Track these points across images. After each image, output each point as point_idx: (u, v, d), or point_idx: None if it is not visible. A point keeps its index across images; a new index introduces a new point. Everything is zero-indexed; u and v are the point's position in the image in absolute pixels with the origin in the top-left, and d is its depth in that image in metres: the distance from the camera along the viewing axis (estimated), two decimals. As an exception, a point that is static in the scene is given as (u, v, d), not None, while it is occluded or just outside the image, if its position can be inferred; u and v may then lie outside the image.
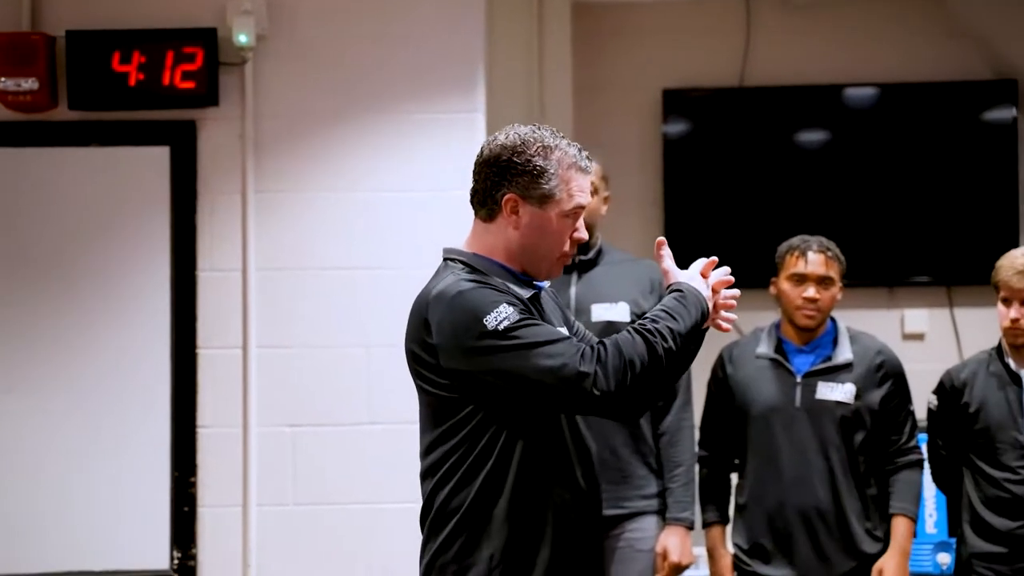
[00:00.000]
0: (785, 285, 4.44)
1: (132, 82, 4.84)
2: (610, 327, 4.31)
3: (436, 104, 4.87)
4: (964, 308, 6.29)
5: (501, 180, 2.88)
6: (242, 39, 4.80)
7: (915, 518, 4.38)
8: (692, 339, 2.81)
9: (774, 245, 4.55)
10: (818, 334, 4.46)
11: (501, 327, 2.73)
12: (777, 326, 4.52)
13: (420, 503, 2.88)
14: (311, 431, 4.83)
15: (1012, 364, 4.37)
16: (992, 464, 4.32)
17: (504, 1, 5.67)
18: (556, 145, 2.89)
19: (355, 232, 4.88)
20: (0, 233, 4.91)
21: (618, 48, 6.37)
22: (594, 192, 4.34)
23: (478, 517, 2.79)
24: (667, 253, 2.95)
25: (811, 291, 4.38)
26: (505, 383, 2.75)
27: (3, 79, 4.78)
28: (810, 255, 4.40)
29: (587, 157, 2.92)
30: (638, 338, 2.75)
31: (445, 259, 2.96)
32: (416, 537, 2.90)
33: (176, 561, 4.83)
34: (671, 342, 2.75)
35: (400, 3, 4.92)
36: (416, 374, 2.87)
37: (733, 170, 6.35)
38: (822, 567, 4.33)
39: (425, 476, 2.88)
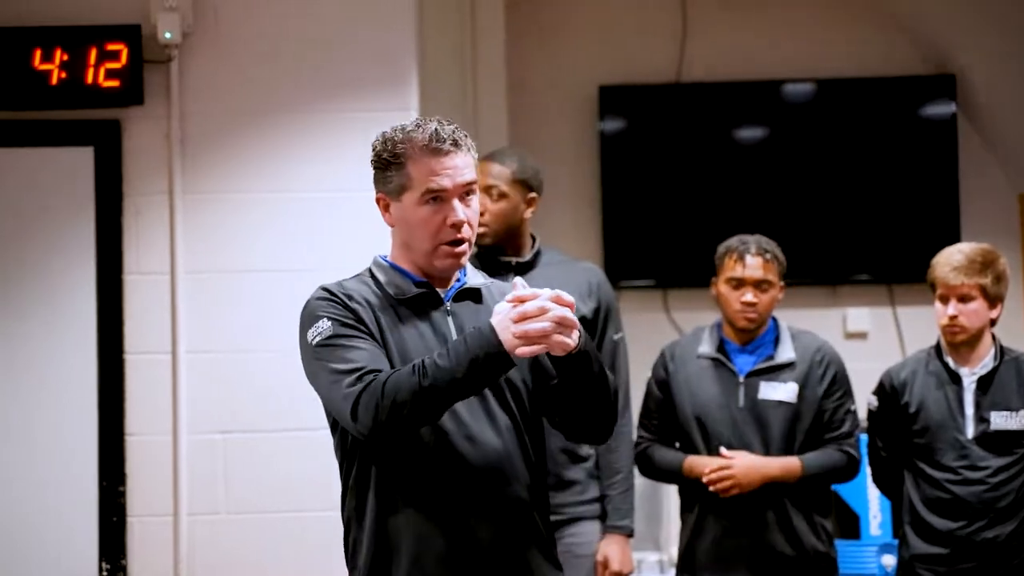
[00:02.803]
0: (723, 288, 4.40)
1: (54, 80, 4.72)
2: (547, 330, 4.25)
3: (367, 102, 4.78)
4: (907, 307, 6.29)
5: (374, 183, 2.99)
6: (167, 36, 4.70)
7: (806, 471, 4.30)
8: (475, 369, 2.72)
9: (714, 243, 4.51)
10: (759, 334, 4.43)
11: (314, 342, 2.87)
12: (719, 326, 4.48)
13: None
14: (242, 438, 4.73)
15: (951, 363, 4.34)
16: (932, 465, 4.30)
17: (436, -3, 5.59)
18: (407, 135, 2.91)
19: (285, 233, 4.79)
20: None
21: (553, 44, 6.32)
22: (482, 190, 4.27)
23: (351, 534, 2.96)
24: (519, 284, 2.80)
25: (749, 295, 4.35)
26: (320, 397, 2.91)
27: (-82, 78, 4.65)
28: (748, 259, 4.36)
29: (453, 141, 2.89)
30: (405, 374, 2.76)
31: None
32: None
33: (105, 573, 4.72)
34: (433, 379, 2.72)
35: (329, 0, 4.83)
36: None
37: (671, 167, 6.30)
38: (768, 565, 4.28)
39: None
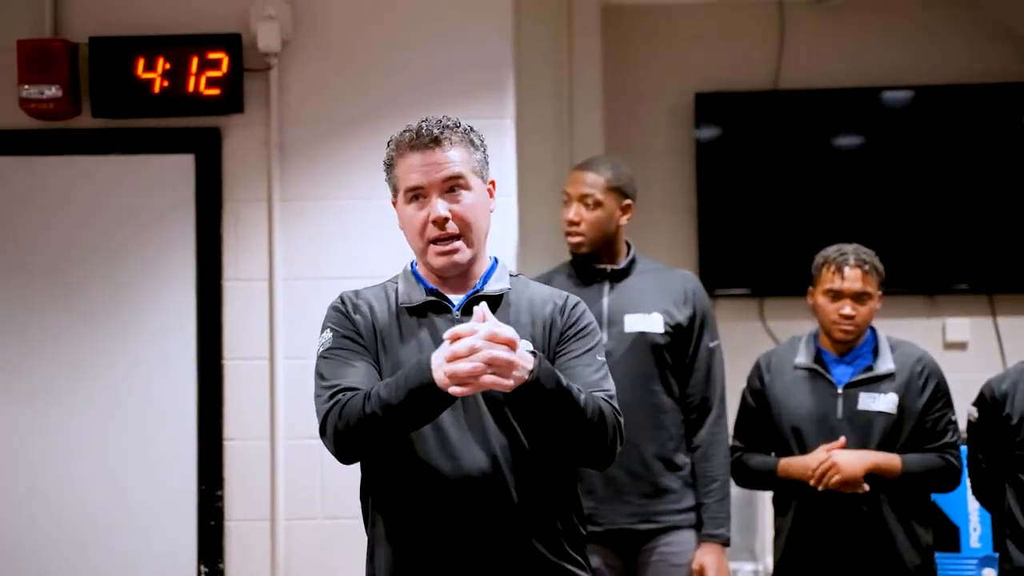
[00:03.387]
0: (821, 299, 4.35)
1: (156, 89, 4.78)
2: (642, 338, 4.24)
3: (465, 110, 4.71)
4: (1008, 317, 6.18)
5: None
6: (267, 45, 4.73)
7: (906, 468, 4.25)
8: (412, 402, 2.67)
9: (811, 252, 4.46)
10: (857, 344, 4.37)
11: (320, 350, 2.91)
12: (815, 336, 4.43)
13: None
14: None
15: (1054, 373, 4.26)
16: (1035, 477, 4.21)
17: (533, 5, 5.58)
18: (398, 136, 2.92)
19: (382, 240, 4.79)
20: (23, 242, 4.86)
21: (649, 52, 6.29)
22: (577, 199, 4.26)
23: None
24: (477, 313, 2.70)
25: (847, 308, 4.30)
26: None
27: (26, 87, 4.72)
28: (846, 270, 4.31)
29: (433, 137, 2.85)
30: (359, 399, 2.74)
31: None
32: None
33: (203, 575, 4.76)
34: (375, 408, 2.70)
35: (427, 8, 4.85)
36: None
37: (768, 175, 6.25)
38: (864, 574, 4.24)
39: None
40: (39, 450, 4.83)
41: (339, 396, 2.78)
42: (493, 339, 2.60)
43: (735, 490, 4.48)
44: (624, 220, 4.36)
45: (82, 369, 4.84)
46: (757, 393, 4.44)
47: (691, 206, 6.24)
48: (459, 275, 2.92)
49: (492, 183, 2.99)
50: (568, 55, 5.81)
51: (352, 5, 4.86)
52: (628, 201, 4.36)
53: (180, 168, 4.86)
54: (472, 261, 2.92)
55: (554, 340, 2.90)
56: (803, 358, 4.40)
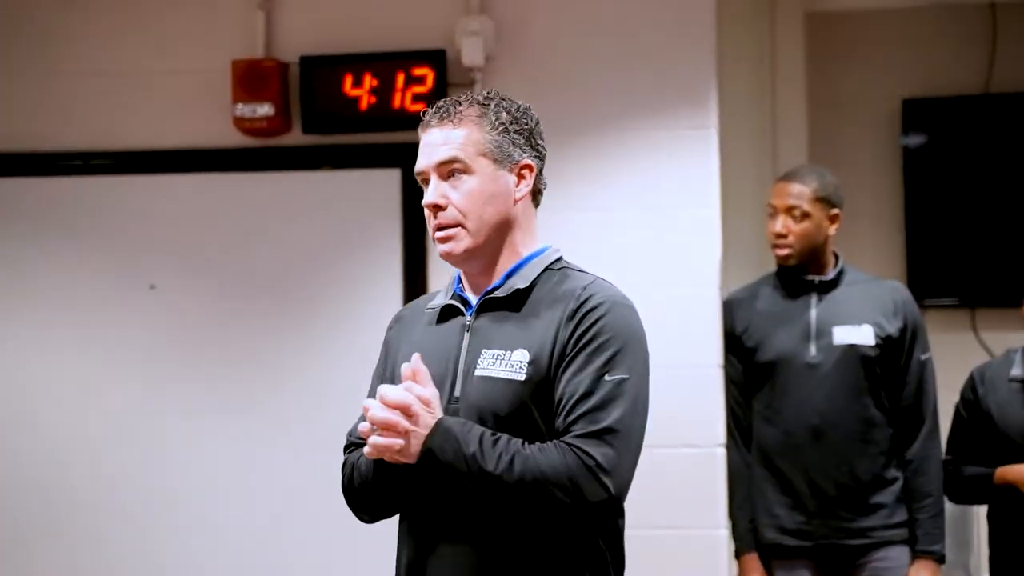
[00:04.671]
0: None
1: (363, 105, 4.87)
2: (852, 350, 4.18)
3: (666, 121, 4.76)
4: None
5: None
6: (471, 60, 4.78)
7: None
8: (379, 474, 2.54)
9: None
10: (1077, 356, 4.24)
11: None
12: (1030, 347, 4.31)
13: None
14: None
15: None
16: None
17: (735, 14, 5.53)
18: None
19: (586, 251, 4.75)
20: (235, 256, 4.98)
21: (854, 58, 6.18)
22: (783, 211, 4.21)
23: None
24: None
25: None
26: None
27: (239, 105, 4.85)
28: None
29: (439, 115, 2.60)
30: (348, 467, 2.68)
31: None
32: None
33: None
34: (360, 480, 2.61)
35: (629, 20, 4.84)
36: None
37: (978, 182, 6.08)
38: None
39: None
40: (248, 459, 4.94)
41: (347, 456, 2.70)
42: (383, 401, 2.43)
43: (948, 506, 4.38)
44: (832, 230, 4.31)
45: (288, 384, 4.94)
46: (971, 405, 4.33)
47: (898, 215, 6.10)
48: (480, 272, 2.62)
49: (527, 166, 2.64)
50: (771, 63, 5.74)
51: (554, 20, 4.87)
52: (836, 211, 4.30)
53: (387, 182, 4.93)
54: (485, 253, 2.61)
55: (558, 349, 2.51)
56: (1019, 370, 4.28)
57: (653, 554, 4.44)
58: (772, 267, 4.45)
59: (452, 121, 2.59)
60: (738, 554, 4.37)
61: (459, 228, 2.57)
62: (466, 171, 2.58)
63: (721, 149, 4.82)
